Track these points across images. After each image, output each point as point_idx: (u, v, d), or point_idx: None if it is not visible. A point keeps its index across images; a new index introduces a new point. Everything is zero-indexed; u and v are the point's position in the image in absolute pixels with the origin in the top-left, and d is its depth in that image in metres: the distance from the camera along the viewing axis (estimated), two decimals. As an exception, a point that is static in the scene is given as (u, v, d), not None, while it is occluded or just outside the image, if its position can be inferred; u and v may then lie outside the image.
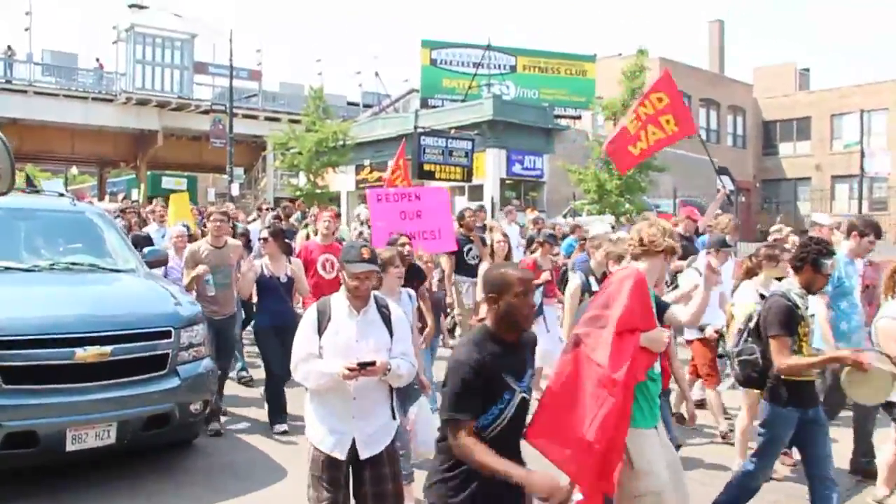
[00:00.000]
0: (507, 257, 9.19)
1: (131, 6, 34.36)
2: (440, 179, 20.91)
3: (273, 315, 7.29)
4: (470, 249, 10.28)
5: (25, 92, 34.49)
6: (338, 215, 11.93)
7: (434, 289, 8.49)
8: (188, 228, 9.89)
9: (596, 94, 30.45)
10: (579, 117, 33.69)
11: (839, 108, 39.10)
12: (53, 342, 5.38)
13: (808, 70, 48.81)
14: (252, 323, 9.02)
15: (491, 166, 27.55)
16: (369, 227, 10.96)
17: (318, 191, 28.77)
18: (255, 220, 16.24)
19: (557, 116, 31.72)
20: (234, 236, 8.82)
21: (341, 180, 31.84)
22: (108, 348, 5.49)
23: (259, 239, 8.47)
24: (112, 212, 14.61)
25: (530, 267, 8.32)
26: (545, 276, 8.45)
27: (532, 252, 8.97)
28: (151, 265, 7.41)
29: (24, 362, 5.29)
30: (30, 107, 34.44)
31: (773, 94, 43.65)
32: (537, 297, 8.10)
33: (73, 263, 6.68)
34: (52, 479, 5.64)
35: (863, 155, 26.70)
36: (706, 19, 75.08)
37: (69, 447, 5.31)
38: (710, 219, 10.08)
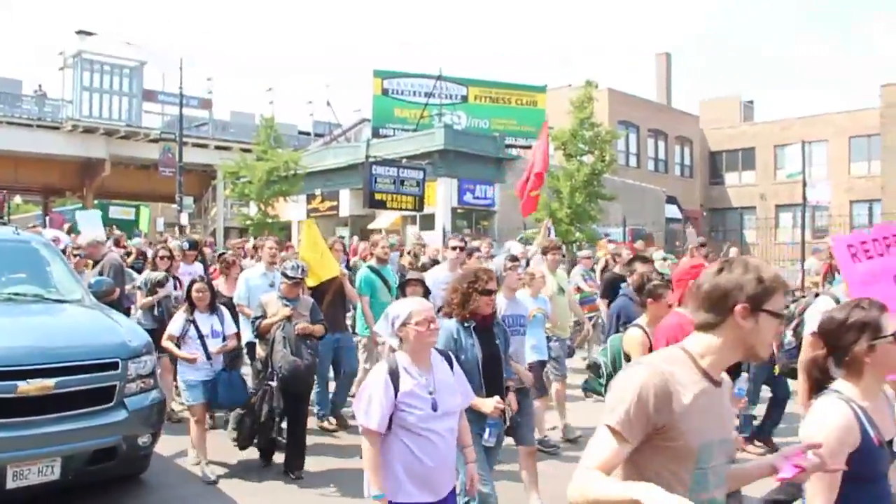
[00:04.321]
0: None
1: (79, 32, 34.03)
2: (391, 208, 20.94)
3: None
4: None
5: (-34, 119, 33.81)
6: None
7: None
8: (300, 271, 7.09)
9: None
10: (530, 147, 33.96)
11: (782, 139, 40.17)
12: (-5, 375, 5.19)
13: (752, 102, 50.12)
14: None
15: (442, 195, 27.64)
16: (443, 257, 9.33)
17: (269, 220, 28.58)
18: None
19: (508, 146, 31.99)
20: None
21: (292, 210, 31.66)
22: (51, 381, 5.32)
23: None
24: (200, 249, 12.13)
25: None
26: None
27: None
28: (99, 297, 7.24)
29: (-36, 396, 5.09)
30: (-29, 134, 33.74)
31: (718, 125, 44.71)
32: None
33: (17, 294, 6.52)
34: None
35: (805, 185, 27.36)
36: (654, 52, 76.63)
37: (10, 484, 5.12)
38: None
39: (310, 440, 7.19)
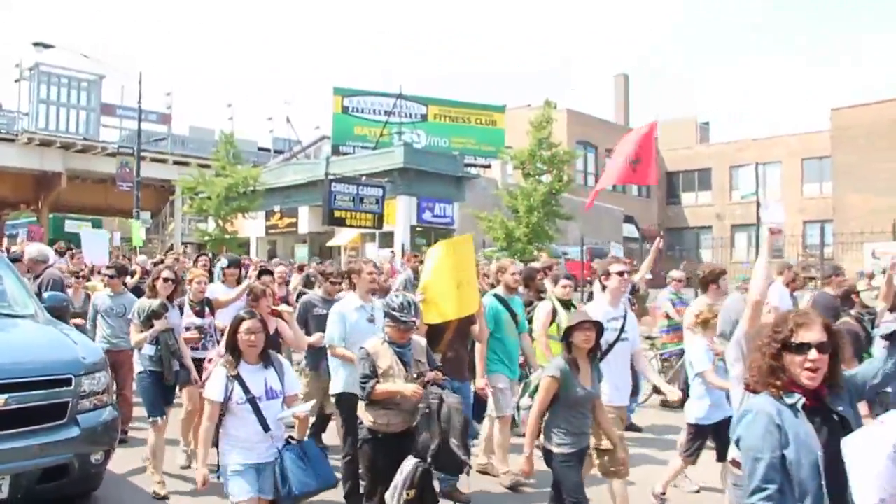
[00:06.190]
0: None
1: (36, 44, 33.59)
2: (351, 226, 21.01)
3: None
4: None
5: (-82, 130, 33.21)
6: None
7: None
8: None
9: (505, 144, 31.17)
10: (489, 166, 34.34)
11: (737, 160, 40.98)
12: (-56, 391, 5.11)
13: (707, 124, 51.00)
14: None
15: (402, 213, 27.75)
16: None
17: (227, 236, 28.45)
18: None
19: (468, 165, 32.24)
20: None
21: (251, 226, 31.55)
22: (2, 397, 5.26)
23: None
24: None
25: None
26: None
27: None
28: (52, 311, 7.15)
29: (-88, 413, 5.02)
30: (-78, 146, 33.14)
31: (675, 146, 45.41)
32: None
33: (-33, 310, 6.43)
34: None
35: (758, 205, 27.95)
36: (612, 74, 77.63)
37: (-45, 503, 5.06)
38: None
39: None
